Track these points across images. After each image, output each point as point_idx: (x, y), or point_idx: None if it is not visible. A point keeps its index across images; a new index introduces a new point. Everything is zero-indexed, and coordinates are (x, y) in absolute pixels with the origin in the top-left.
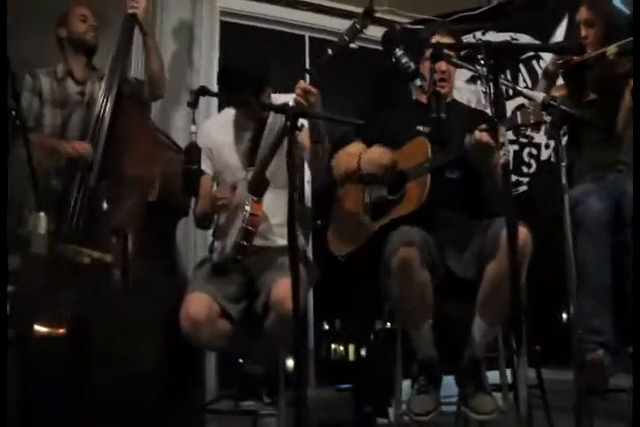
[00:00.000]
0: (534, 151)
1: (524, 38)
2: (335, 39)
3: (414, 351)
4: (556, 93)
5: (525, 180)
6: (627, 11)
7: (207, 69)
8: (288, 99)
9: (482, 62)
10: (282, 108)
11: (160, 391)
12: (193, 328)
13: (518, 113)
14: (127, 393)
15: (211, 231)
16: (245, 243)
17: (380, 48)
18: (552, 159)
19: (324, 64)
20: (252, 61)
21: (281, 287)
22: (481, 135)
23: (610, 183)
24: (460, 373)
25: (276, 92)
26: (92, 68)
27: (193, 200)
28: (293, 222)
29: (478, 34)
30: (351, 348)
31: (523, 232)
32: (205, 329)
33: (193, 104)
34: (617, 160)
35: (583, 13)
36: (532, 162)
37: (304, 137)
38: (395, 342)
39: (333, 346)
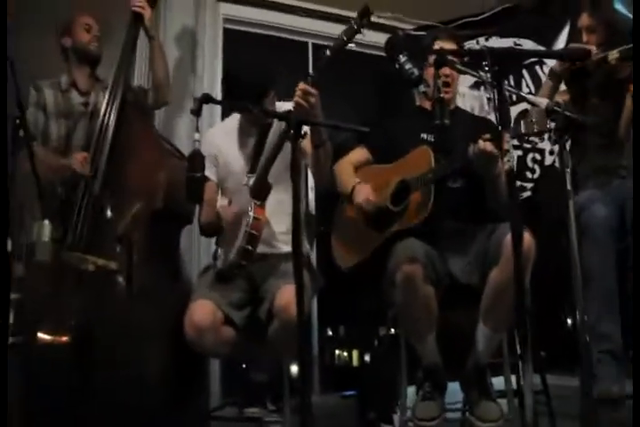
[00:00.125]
0: (538, 157)
1: (528, 44)
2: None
3: (419, 358)
4: (559, 98)
5: (529, 185)
6: (629, 14)
7: (210, 77)
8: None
9: (486, 69)
10: (285, 116)
11: (164, 398)
12: (197, 335)
13: (522, 122)
14: (131, 400)
15: (214, 239)
16: (250, 247)
17: (383, 54)
18: (556, 165)
19: (324, 66)
20: (255, 68)
21: (285, 294)
22: (485, 145)
23: (614, 189)
24: (465, 379)
25: (280, 100)
26: (95, 79)
27: (197, 208)
28: (298, 230)
29: (481, 39)
30: (355, 354)
31: (526, 237)
32: (209, 336)
33: (196, 112)
34: (619, 165)
35: (585, 19)
36: (536, 167)
37: (305, 142)
38: (399, 348)
39: (337, 352)
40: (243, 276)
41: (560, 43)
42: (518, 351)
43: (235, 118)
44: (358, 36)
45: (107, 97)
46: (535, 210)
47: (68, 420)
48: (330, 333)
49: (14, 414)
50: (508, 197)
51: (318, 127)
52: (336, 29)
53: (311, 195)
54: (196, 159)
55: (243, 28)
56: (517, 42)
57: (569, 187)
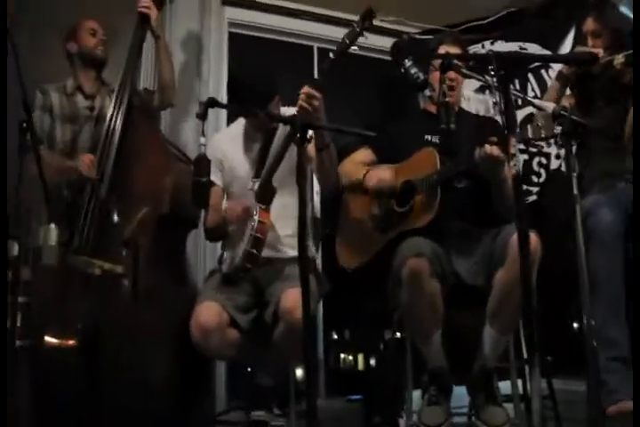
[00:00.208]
0: (544, 161)
1: (533, 47)
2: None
3: (425, 361)
4: (565, 102)
5: (535, 189)
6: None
7: (216, 81)
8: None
9: (492, 73)
10: (290, 120)
11: (170, 402)
12: (203, 337)
13: (529, 127)
14: (137, 404)
15: (220, 243)
16: (255, 251)
17: (387, 58)
18: (562, 169)
19: (327, 69)
20: (260, 72)
21: (290, 297)
22: (491, 149)
23: (619, 192)
24: (471, 383)
25: (284, 105)
26: (101, 83)
27: (203, 212)
28: (304, 233)
29: (487, 43)
30: (360, 357)
31: (532, 238)
32: (215, 338)
33: (202, 116)
34: (624, 169)
35: (590, 24)
36: (542, 171)
37: (310, 146)
38: (404, 351)
39: (342, 356)
40: (248, 280)
41: (566, 46)
42: (525, 355)
43: (240, 124)
44: (362, 40)
45: (113, 101)
46: (541, 214)
47: (74, 423)
48: (335, 336)
49: (21, 417)
50: (515, 202)
51: (321, 130)
52: (341, 33)
53: (316, 198)
54: (202, 163)
55: (248, 33)
56: (523, 46)
57: (575, 191)
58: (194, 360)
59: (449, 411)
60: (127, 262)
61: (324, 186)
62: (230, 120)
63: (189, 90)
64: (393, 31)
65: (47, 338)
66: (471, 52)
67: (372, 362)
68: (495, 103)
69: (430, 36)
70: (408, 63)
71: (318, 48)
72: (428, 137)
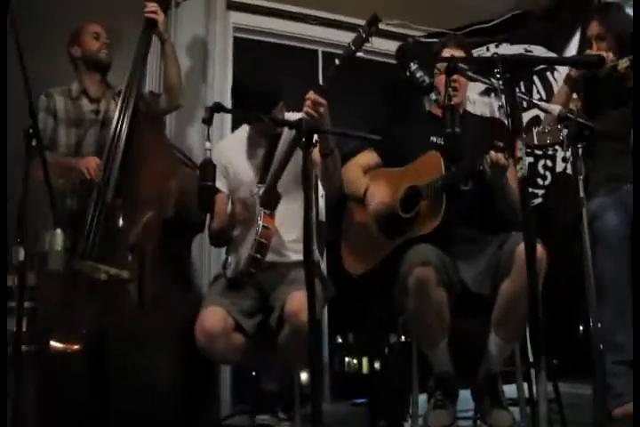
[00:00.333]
0: (549, 163)
1: (539, 50)
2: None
3: (430, 366)
4: (572, 105)
5: (540, 192)
6: None
7: (221, 85)
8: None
9: (498, 76)
10: (296, 125)
11: (176, 407)
12: (208, 341)
13: (534, 133)
14: (143, 409)
15: (224, 248)
16: (259, 256)
17: (391, 61)
18: (567, 171)
19: (333, 74)
20: (264, 77)
21: (295, 300)
22: (497, 157)
23: (625, 195)
24: (477, 387)
25: (289, 111)
26: (106, 86)
27: (208, 218)
28: (310, 237)
29: (492, 46)
30: (365, 361)
31: (537, 248)
32: (220, 342)
33: (207, 121)
34: (630, 171)
35: (594, 28)
36: (547, 174)
37: (314, 152)
38: (410, 355)
39: (347, 359)
40: (253, 285)
41: (571, 49)
42: (530, 359)
43: (244, 130)
44: (366, 44)
45: (119, 105)
46: (546, 216)
47: None
48: (339, 340)
49: (27, 422)
50: (521, 206)
51: (326, 136)
52: (346, 37)
53: (321, 202)
54: (208, 168)
55: (253, 37)
56: (528, 48)
57: (582, 194)
58: (199, 365)
59: (455, 415)
60: (133, 267)
61: (327, 192)
62: (235, 125)
63: (194, 94)
64: (398, 35)
65: (53, 343)
66: (476, 55)
67: (377, 366)
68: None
69: (435, 40)
70: (413, 67)
71: (323, 52)
72: (434, 139)
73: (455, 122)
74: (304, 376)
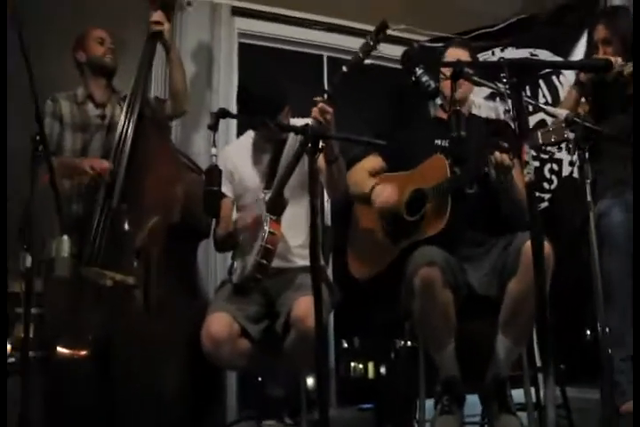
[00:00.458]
0: (555, 167)
1: (544, 54)
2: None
3: (437, 370)
4: (580, 109)
5: (547, 196)
6: None
7: (226, 91)
8: (307, 123)
9: (504, 80)
10: (302, 130)
11: (182, 412)
12: (214, 347)
13: (539, 133)
14: (149, 414)
15: (230, 253)
16: (265, 261)
17: (395, 66)
18: (574, 175)
19: (340, 81)
20: (270, 83)
21: (301, 305)
22: (502, 157)
23: (629, 196)
24: (484, 392)
25: (294, 116)
26: (112, 91)
27: (214, 223)
28: (316, 242)
29: (497, 50)
30: (370, 366)
31: (545, 246)
32: (226, 348)
33: (213, 126)
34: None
35: (601, 32)
36: (554, 178)
37: (320, 158)
38: (416, 360)
39: (353, 364)
40: (258, 290)
41: (577, 53)
42: (537, 363)
43: (249, 136)
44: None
45: (124, 110)
46: (553, 220)
47: None
48: (345, 345)
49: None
50: (528, 209)
51: (331, 143)
52: (351, 42)
53: (327, 206)
54: (214, 173)
55: (258, 43)
56: (533, 52)
57: (589, 198)
58: (205, 370)
59: (462, 420)
60: (138, 273)
61: (332, 198)
62: (240, 131)
63: (200, 100)
64: (403, 39)
65: (60, 349)
66: (481, 59)
67: (383, 370)
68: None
69: (440, 44)
70: (419, 71)
71: (327, 57)
72: (439, 141)
73: (461, 126)
74: (310, 381)
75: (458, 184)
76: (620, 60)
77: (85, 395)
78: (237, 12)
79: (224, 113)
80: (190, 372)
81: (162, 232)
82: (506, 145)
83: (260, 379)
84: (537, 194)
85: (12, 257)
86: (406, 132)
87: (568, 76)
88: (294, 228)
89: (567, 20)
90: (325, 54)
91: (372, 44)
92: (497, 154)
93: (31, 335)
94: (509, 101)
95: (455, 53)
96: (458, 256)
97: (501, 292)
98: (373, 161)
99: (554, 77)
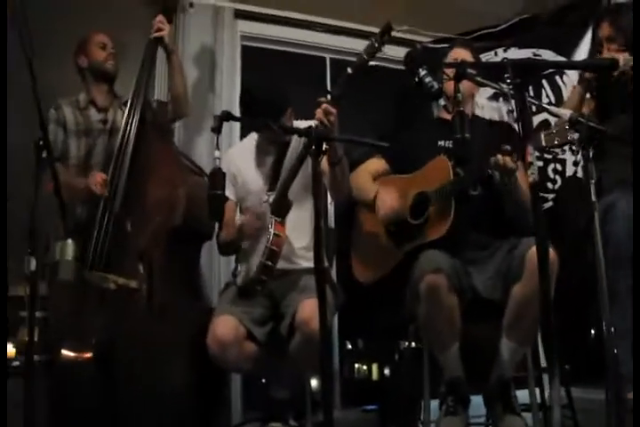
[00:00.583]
0: (559, 167)
1: (547, 54)
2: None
3: (441, 371)
4: (585, 108)
5: (551, 196)
6: None
7: (230, 94)
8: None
9: (508, 81)
10: (305, 132)
11: (186, 415)
12: (220, 350)
13: (542, 135)
14: (154, 417)
15: (234, 256)
16: (270, 263)
17: (397, 67)
18: (578, 175)
19: (344, 83)
20: (273, 85)
21: (306, 308)
22: (505, 160)
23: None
24: (489, 393)
25: (297, 119)
26: (113, 96)
27: (217, 226)
28: (320, 244)
29: (500, 51)
30: (374, 367)
31: (549, 252)
32: (232, 351)
33: (217, 129)
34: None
35: (605, 30)
36: (557, 178)
37: (322, 160)
38: (421, 361)
39: (357, 365)
40: (263, 293)
41: (580, 53)
42: (542, 364)
43: (252, 138)
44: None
45: (126, 114)
46: (557, 221)
47: None
48: (349, 346)
49: None
50: (532, 210)
51: (335, 145)
52: (353, 44)
53: (330, 208)
54: (218, 176)
55: (261, 45)
56: (536, 52)
57: (594, 198)
58: (209, 373)
59: (467, 421)
60: (141, 276)
61: (336, 200)
62: (244, 134)
63: (203, 103)
64: (405, 41)
65: (64, 352)
66: (484, 59)
67: (387, 372)
68: (510, 111)
69: (443, 45)
70: (422, 72)
71: (330, 59)
72: (442, 142)
73: (464, 127)
74: (314, 383)
75: (461, 186)
76: (626, 55)
77: (89, 398)
78: (240, 14)
79: (227, 116)
80: (194, 374)
81: (164, 235)
82: (509, 147)
83: (264, 381)
84: (540, 194)
85: (15, 260)
86: (409, 133)
87: (571, 76)
88: (298, 230)
89: (569, 20)
90: (328, 56)
91: (376, 45)
92: (499, 156)
93: (35, 339)
94: (513, 102)
95: (458, 54)
96: (462, 259)
97: (505, 295)
98: (377, 164)
99: (557, 77)
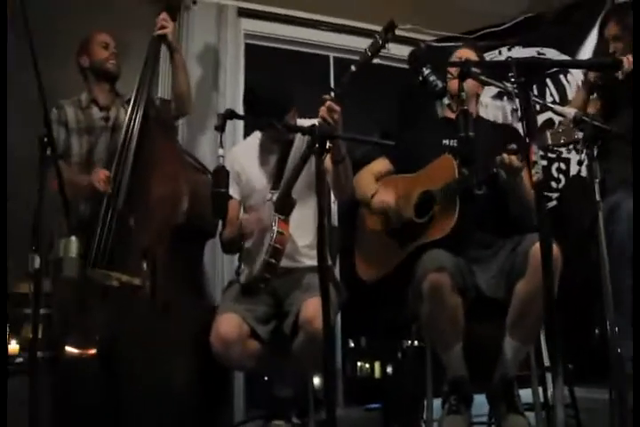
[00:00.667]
0: (563, 166)
1: (551, 53)
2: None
3: (445, 370)
4: (590, 108)
5: (555, 195)
6: None
7: (233, 92)
8: (314, 123)
9: (512, 80)
10: (309, 130)
11: (189, 412)
12: (224, 348)
13: (548, 134)
14: (156, 414)
15: (237, 254)
16: (274, 261)
17: (401, 66)
18: (582, 174)
19: (348, 81)
20: (277, 83)
21: (310, 307)
22: (510, 159)
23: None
24: (492, 392)
25: (301, 117)
26: (115, 94)
27: (220, 225)
28: (324, 243)
29: (504, 49)
30: (377, 365)
31: (553, 248)
32: (236, 349)
33: (220, 127)
34: None
35: (612, 28)
36: (561, 177)
37: (326, 159)
38: (424, 359)
39: (360, 364)
40: (267, 291)
41: (585, 51)
42: (545, 363)
43: (256, 137)
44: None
45: (129, 111)
46: (561, 220)
47: None
48: (352, 344)
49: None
50: (537, 209)
51: (338, 143)
52: (357, 42)
53: (333, 207)
54: (221, 174)
55: (264, 44)
56: (541, 51)
57: (598, 198)
58: (212, 371)
59: (470, 420)
60: (145, 273)
61: (339, 199)
62: (247, 132)
63: (206, 102)
64: (409, 39)
65: (68, 349)
66: (488, 58)
67: (390, 370)
68: (514, 110)
69: (447, 44)
70: (426, 71)
71: (334, 57)
72: (446, 141)
73: (469, 125)
74: (317, 381)
75: (465, 185)
76: (630, 57)
77: (93, 395)
78: (243, 13)
79: (231, 114)
80: (197, 372)
81: (168, 232)
82: (515, 146)
83: (267, 379)
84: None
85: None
86: (413, 132)
87: (575, 75)
88: (302, 228)
89: (574, 19)
90: (332, 55)
91: (380, 42)
92: (505, 155)
93: (39, 336)
94: (517, 101)
95: (462, 53)
96: (466, 258)
97: (509, 294)
98: (381, 164)
99: (561, 76)
